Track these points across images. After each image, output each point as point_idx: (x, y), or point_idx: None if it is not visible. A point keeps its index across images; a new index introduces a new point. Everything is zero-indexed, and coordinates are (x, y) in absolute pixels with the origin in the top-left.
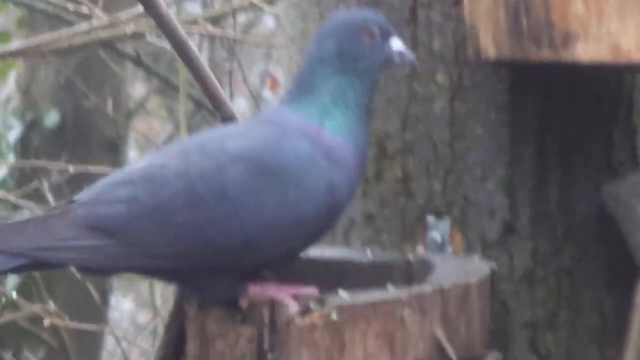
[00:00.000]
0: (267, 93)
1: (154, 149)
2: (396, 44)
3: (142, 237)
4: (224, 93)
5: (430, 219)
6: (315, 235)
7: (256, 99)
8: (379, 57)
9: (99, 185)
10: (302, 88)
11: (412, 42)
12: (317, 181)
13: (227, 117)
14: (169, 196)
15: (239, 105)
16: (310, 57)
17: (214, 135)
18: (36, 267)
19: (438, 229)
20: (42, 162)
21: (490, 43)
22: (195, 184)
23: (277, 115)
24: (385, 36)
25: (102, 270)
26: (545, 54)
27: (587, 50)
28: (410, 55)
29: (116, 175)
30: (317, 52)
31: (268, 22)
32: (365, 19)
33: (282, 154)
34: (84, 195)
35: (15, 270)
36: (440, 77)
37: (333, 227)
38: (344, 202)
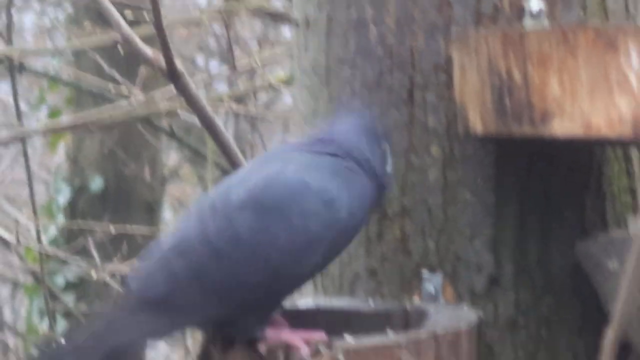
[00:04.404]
0: None
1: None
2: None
3: (186, 305)
4: (246, 163)
5: (425, 273)
6: (331, 249)
7: None
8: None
9: (147, 259)
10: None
11: (410, 120)
12: (313, 203)
13: None
14: (199, 264)
15: None
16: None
17: (222, 188)
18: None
19: (432, 282)
20: (87, 223)
21: (478, 120)
22: (216, 245)
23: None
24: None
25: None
26: (526, 130)
27: (562, 127)
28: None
29: (159, 246)
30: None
31: (287, 99)
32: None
33: (275, 191)
34: (134, 274)
35: None
36: (434, 150)
37: (350, 237)
38: (349, 211)
